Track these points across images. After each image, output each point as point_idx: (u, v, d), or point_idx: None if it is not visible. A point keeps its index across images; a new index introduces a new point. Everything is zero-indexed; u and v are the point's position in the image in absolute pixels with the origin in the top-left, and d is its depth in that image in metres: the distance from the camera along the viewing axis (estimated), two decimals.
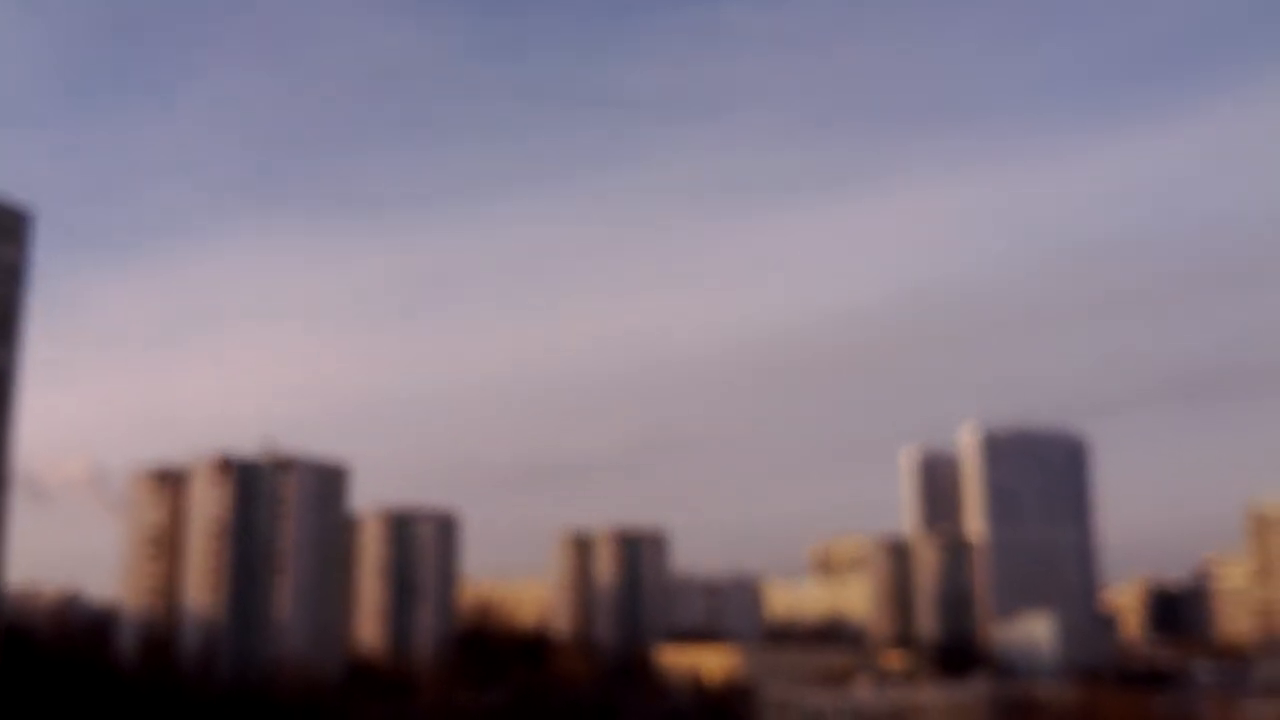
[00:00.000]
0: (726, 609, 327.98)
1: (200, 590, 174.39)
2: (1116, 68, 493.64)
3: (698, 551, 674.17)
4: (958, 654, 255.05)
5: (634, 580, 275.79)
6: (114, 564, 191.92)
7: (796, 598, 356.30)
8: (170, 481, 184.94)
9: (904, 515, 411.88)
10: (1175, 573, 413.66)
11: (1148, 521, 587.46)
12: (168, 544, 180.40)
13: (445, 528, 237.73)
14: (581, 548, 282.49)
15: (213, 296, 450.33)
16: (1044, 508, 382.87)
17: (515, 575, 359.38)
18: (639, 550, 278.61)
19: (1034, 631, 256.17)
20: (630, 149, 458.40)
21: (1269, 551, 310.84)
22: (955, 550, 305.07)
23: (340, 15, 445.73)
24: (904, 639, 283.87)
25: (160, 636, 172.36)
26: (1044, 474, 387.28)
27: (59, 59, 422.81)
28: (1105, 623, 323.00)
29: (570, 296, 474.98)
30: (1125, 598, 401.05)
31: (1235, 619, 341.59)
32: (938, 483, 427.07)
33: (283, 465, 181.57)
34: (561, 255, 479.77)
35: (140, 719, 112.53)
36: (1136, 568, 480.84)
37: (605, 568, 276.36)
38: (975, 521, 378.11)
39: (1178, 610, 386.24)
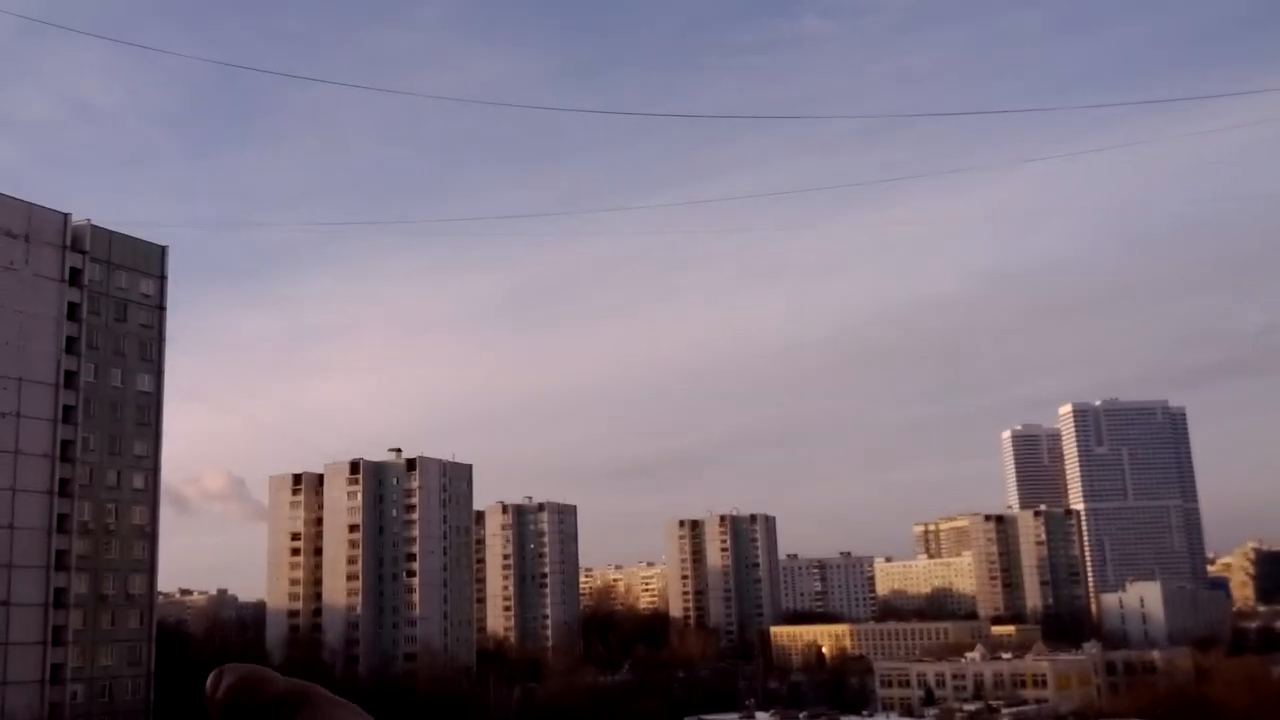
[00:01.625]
0: (837, 588, 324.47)
1: (339, 587, 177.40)
2: (1187, 48, 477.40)
3: (808, 536, 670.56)
4: (1067, 624, 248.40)
5: (745, 562, 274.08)
6: (257, 567, 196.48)
7: (905, 575, 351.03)
8: (307, 487, 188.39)
9: (1007, 492, 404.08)
10: None
11: (1252, 488, 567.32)
12: (308, 545, 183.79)
13: (564, 520, 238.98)
14: (694, 534, 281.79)
15: (331, 316, 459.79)
16: (1144, 479, 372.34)
17: (631, 563, 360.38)
18: (749, 534, 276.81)
19: (1143, 600, 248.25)
20: (717, 156, 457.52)
21: None
22: (1058, 523, 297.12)
23: (430, 52, 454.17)
24: (1012, 612, 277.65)
25: (305, 631, 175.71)
26: (1142, 446, 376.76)
27: (179, 105, 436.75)
28: (1216, 589, 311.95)
29: (670, 299, 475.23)
30: (1234, 564, 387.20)
31: None
32: (1038, 459, 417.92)
33: (410, 467, 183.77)
34: (659, 260, 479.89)
35: None
36: (1244, 533, 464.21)
37: (717, 551, 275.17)
38: (1077, 495, 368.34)
39: None
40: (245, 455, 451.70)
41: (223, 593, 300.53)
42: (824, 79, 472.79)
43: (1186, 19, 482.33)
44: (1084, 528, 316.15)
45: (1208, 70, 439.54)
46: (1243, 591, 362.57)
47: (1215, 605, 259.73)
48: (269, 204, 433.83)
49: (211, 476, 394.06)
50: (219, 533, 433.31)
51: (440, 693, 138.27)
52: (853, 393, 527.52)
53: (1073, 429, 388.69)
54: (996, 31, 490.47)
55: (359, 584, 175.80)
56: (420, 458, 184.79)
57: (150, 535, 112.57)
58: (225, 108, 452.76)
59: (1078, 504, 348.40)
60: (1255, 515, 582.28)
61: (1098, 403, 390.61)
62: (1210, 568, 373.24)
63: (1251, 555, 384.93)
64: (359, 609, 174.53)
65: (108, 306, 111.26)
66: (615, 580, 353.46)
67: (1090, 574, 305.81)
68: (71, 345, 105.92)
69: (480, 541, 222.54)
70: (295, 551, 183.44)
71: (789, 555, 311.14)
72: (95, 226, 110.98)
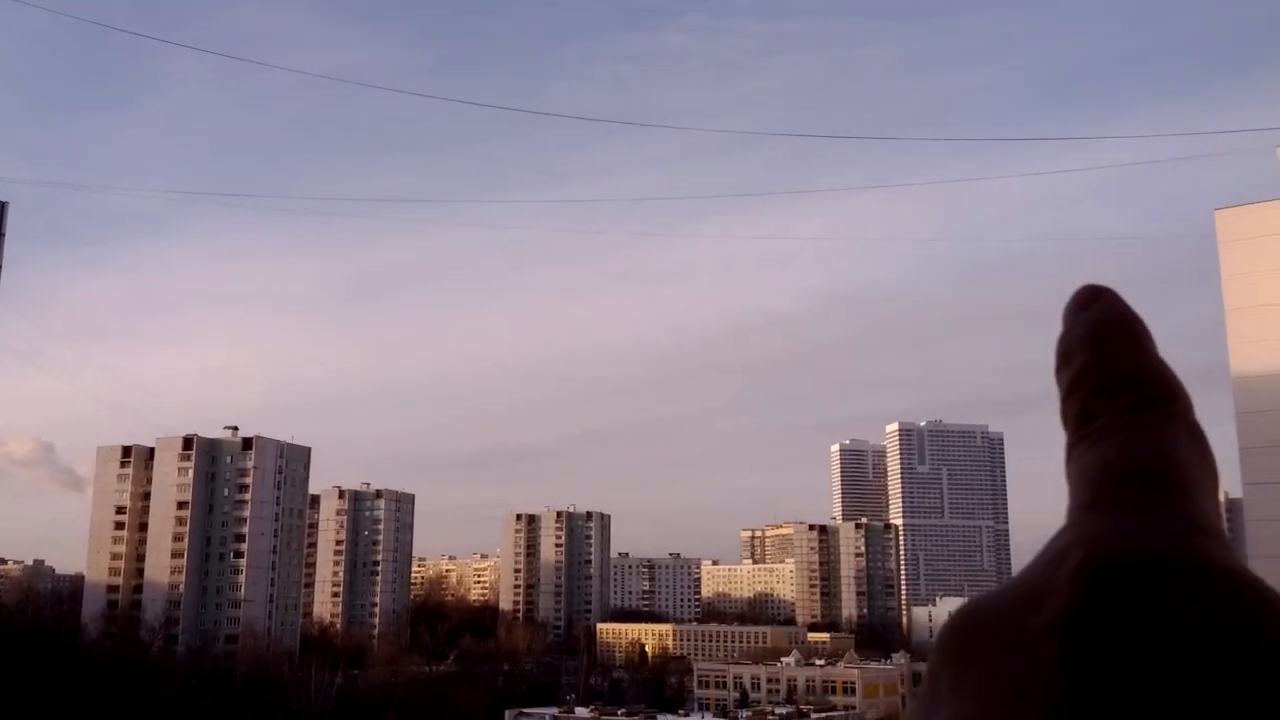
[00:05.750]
0: (664, 588, 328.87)
1: (163, 564, 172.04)
2: (1035, 90, 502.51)
3: (640, 536, 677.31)
4: (879, 634, 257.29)
5: (578, 558, 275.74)
6: (77, 540, 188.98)
7: (730, 579, 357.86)
8: (137, 460, 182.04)
9: (833, 504, 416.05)
10: None
11: (1057, 513, 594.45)
12: (133, 520, 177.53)
13: (401, 508, 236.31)
14: (530, 528, 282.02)
15: (176, 288, 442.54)
16: (961, 499, 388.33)
17: (465, 555, 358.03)
18: (584, 530, 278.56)
19: (951, 614, 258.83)
20: (571, 162, 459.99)
21: None
22: (877, 537, 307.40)
23: (297, 32, 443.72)
24: (829, 620, 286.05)
25: (124, 608, 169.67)
26: (961, 467, 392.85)
27: (28, 67, 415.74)
28: None
29: (517, 298, 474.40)
30: None
31: None
32: (864, 474, 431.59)
33: (246, 446, 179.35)
34: (509, 259, 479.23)
35: (103, 689, 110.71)
36: None
37: (551, 546, 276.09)
38: (897, 510, 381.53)
39: None
40: (75, 423, 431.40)
41: (39, 564, 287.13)
42: (684, 94, 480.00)
43: (1045, 59, 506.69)
44: (901, 542, 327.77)
45: (1047, 115, 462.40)
46: None
47: None
48: (119, 171, 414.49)
49: (18, 441, 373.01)
50: (37, 501, 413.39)
51: (260, 676, 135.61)
52: (691, 399, 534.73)
53: (897, 447, 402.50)
54: (851, 63, 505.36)
55: (184, 562, 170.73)
56: (257, 437, 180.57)
57: None
58: (78, 69, 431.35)
59: (897, 519, 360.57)
60: None
61: (923, 423, 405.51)
62: None
63: None
64: (182, 588, 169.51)
65: None
66: (448, 571, 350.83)
67: (904, 587, 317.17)
68: None
69: (314, 526, 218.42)
70: (119, 525, 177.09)
71: (621, 553, 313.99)
72: None
